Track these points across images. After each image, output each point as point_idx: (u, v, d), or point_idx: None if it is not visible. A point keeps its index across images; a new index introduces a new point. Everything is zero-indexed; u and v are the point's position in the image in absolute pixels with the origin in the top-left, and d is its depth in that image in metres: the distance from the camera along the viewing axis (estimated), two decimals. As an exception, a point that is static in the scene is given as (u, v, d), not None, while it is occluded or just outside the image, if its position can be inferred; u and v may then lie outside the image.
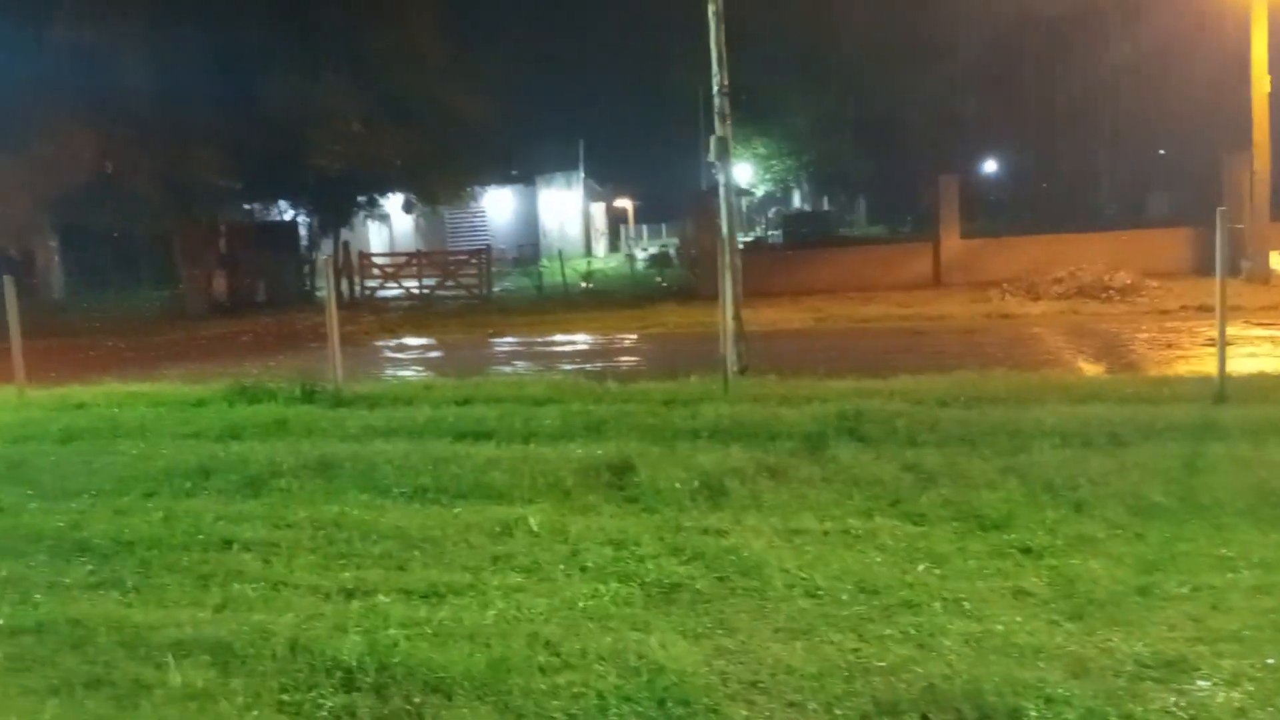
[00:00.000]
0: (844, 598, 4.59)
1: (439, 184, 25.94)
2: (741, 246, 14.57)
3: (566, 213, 43.68)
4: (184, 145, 20.62)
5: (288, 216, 28.23)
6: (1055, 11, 27.33)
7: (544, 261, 35.71)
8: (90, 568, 5.42)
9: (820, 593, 4.66)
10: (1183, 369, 10.93)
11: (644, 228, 58.75)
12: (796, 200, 51.07)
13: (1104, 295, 17.55)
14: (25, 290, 14.88)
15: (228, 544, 5.68)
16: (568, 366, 13.03)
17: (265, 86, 20.57)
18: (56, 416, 9.64)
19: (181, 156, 20.72)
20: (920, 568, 4.91)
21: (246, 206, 28.48)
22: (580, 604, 4.63)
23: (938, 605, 4.45)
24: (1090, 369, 11.27)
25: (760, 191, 46.10)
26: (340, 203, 26.47)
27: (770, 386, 9.32)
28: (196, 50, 19.90)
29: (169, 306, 24.23)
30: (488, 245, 30.88)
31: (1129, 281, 17.86)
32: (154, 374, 12.85)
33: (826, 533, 5.46)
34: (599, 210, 49.50)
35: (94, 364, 15.24)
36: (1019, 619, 4.27)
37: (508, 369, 13.48)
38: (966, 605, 4.44)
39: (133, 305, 24.52)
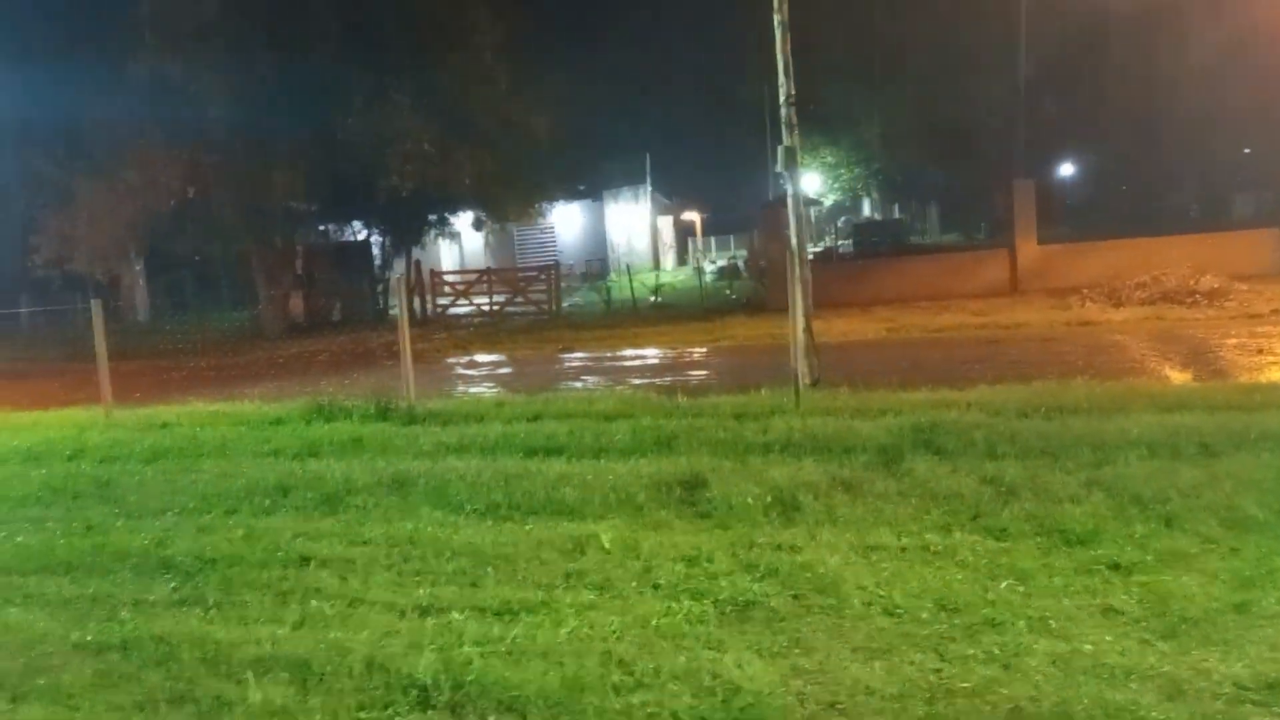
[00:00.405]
0: (924, 616, 4.48)
1: (508, 202, 26.23)
2: (811, 257, 14.41)
3: (634, 227, 43.85)
4: (262, 171, 21.26)
5: (361, 236, 28.83)
6: (1134, 10, 26.65)
7: (612, 276, 35.86)
8: (174, 585, 5.56)
9: (899, 611, 4.56)
10: (1276, 375, 10.52)
11: (712, 240, 58.63)
12: (866, 209, 50.49)
13: (1189, 300, 16.95)
14: (111, 313, 15.39)
15: (305, 561, 5.79)
16: (637, 381, 13.02)
17: (338, 112, 21.09)
18: (141, 436, 9.94)
19: (260, 182, 21.38)
20: (1003, 585, 4.77)
21: (321, 227, 29.16)
22: (653, 622, 4.59)
23: (1022, 624, 4.32)
24: (1177, 377, 10.89)
25: (829, 201, 45.64)
26: (412, 222, 26.98)
27: (843, 399, 9.20)
28: (272, 79, 20.50)
29: (248, 327, 24.87)
30: (556, 261, 31.16)
31: (1216, 285, 17.22)
32: (234, 393, 13.17)
33: (904, 548, 5.34)
34: (666, 223, 49.56)
35: (177, 384, 15.69)
36: (1109, 638, 4.13)
37: (577, 384, 13.52)
38: (1053, 624, 4.31)
39: (213, 326, 25.23)
